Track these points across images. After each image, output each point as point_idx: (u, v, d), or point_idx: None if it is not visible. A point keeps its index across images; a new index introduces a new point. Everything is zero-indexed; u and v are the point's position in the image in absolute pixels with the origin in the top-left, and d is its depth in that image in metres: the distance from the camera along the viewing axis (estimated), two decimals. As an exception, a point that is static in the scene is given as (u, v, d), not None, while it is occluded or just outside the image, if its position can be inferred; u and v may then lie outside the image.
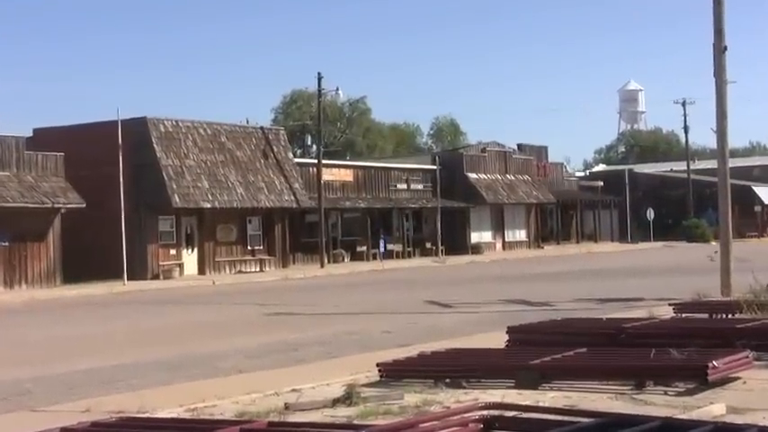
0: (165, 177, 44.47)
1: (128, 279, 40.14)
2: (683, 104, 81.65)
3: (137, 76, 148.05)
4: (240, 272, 47.67)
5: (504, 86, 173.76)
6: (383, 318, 22.39)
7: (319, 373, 12.76)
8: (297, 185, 51.13)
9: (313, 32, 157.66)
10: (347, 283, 38.56)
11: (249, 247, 49.33)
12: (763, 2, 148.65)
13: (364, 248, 56.09)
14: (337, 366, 13.61)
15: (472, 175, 65.00)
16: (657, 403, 9.76)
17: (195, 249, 46.75)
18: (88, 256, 42.86)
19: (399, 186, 61.05)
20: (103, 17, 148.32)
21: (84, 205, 41.41)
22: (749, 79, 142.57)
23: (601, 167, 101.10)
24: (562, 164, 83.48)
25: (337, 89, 55.48)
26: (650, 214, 76.12)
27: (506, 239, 67.47)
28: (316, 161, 53.92)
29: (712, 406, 9.41)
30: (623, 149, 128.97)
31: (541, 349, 12.00)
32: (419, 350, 13.21)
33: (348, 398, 10.18)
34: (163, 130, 45.58)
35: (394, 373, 11.63)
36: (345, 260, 54.59)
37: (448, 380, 11.16)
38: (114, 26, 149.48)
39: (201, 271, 46.39)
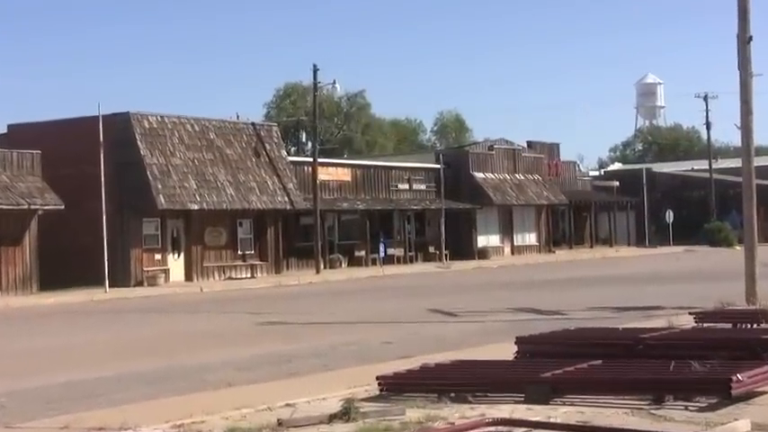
0: (150, 177, 44.48)
1: (109, 286, 40.13)
2: (705, 99, 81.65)
3: (119, 70, 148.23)
4: (230, 278, 47.67)
5: (513, 80, 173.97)
6: (383, 327, 22.39)
7: (315, 386, 12.76)
8: (291, 185, 51.14)
9: (308, 23, 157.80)
10: (345, 291, 38.55)
11: (240, 252, 49.33)
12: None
13: (363, 253, 56.09)
14: (334, 379, 13.61)
15: (479, 175, 65.01)
16: (677, 419, 9.75)
17: (182, 254, 46.75)
18: (67, 262, 42.85)
19: (401, 186, 61.05)
20: (84, 9, 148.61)
21: (62, 207, 41.41)
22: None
23: (617, 166, 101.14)
24: (575, 162, 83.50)
25: (334, 82, 55.48)
26: (669, 216, 76.12)
27: (515, 243, 67.48)
28: (311, 159, 53.92)
29: (736, 422, 9.39)
30: (641, 147, 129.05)
31: (553, 361, 12.00)
32: (422, 362, 13.20)
33: (346, 413, 10.18)
34: (147, 126, 45.60)
35: (395, 387, 11.63)
36: (343, 266, 54.59)
37: (453, 394, 11.16)
38: (95, 18, 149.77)
39: (188, 277, 46.40)
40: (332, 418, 10.13)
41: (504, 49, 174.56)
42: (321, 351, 18.30)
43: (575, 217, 74.64)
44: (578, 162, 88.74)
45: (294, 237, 53.55)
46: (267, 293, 38.98)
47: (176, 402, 12.36)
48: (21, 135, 45.01)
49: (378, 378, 11.83)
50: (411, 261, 58.96)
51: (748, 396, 10.58)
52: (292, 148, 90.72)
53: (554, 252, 68.40)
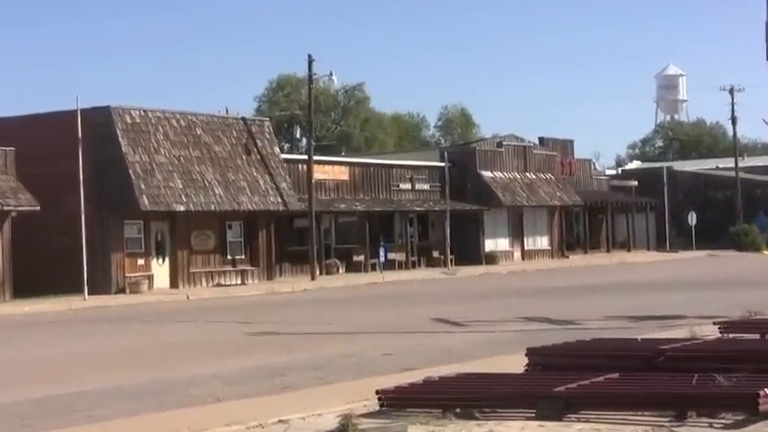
0: (132, 176, 44.50)
1: (89, 293, 40.13)
2: (731, 92, 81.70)
3: (100, 61, 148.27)
4: (219, 285, 47.68)
5: (523, 72, 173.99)
6: (384, 338, 22.40)
7: (310, 401, 12.76)
8: (284, 185, 51.16)
9: (303, 10, 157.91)
10: (342, 298, 38.55)
11: (229, 257, 49.34)
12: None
13: (362, 258, 56.09)
14: (331, 394, 13.61)
15: (486, 174, 65.02)
16: (701, 437, 9.75)
17: (167, 259, 46.76)
18: (43, 267, 42.84)
19: (402, 186, 61.06)
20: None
21: (38, 208, 41.41)
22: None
23: (635, 164, 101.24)
24: (590, 160, 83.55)
25: (331, 74, 55.42)
26: (692, 219, 76.14)
27: (526, 247, 67.48)
28: (306, 157, 53.93)
29: (764, 440, 9.40)
30: (661, 144, 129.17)
31: (566, 374, 12.00)
32: (425, 375, 13.21)
33: (343, 430, 10.18)
34: (129, 121, 45.62)
35: (396, 402, 11.63)
36: (340, 271, 54.59)
37: (458, 409, 11.17)
38: (73, 5, 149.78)
39: (174, 284, 46.40)
40: (328, 436, 10.12)
41: (513, 39, 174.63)
42: (317, 363, 18.30)
43: (590, 219, 74.62)
44: (594, 160, 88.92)
45: (288, 240, 53.52)
46: (259, 301, 38.97)
47: (161, 419, 12.36)
48: (-7, 131, 44.99)
49: (378, 392, 11.84)
50: (413, 267, 58.94)
51: (777, 412, 10.58)
52: (286, 145, 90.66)
53: (567, 257, 68.39)
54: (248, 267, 49.64)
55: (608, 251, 74.61)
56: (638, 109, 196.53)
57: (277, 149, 53.90)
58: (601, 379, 11.63)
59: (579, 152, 77.38)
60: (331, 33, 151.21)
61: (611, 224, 77.11)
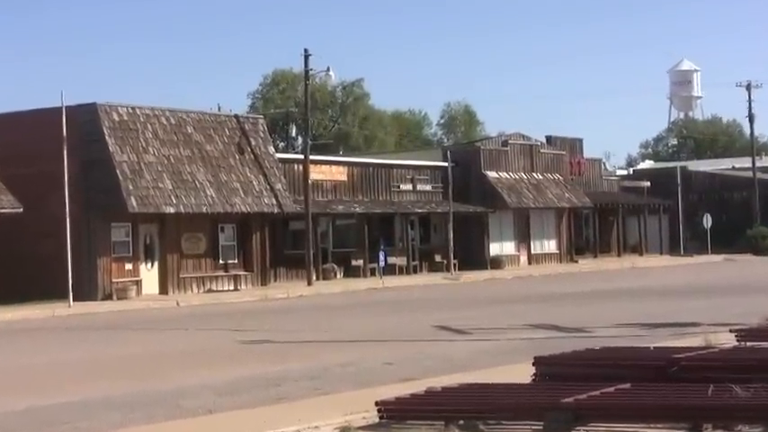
0: (120, 176, 44.49)
1: (74, 300, 40.12)
2: (748, 88, 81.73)
3: (85, 56, 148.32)
4: (210, 290, 47.68)
5: (530, 67, 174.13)
6: (383, 346, 22.42)
7: (306, 412, 12.76)
8: (279, 186, 51.17)
9: (299, 3, 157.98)
10: (340, 305, 38.56)
11: (221, 261, 49.33)
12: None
13: (360, 262, 56.11)
14: (328, 405, 13.61)
15: (491, 174, 65.04)
16: (716, 450, 9.75)
17: (156, 263, 46.75)
18: (26, 272, 42.84)
19: (403, 187, 61.07)
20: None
21: (20, 210, 41.41)
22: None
23: (647, 164, 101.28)
24: (600, 160, 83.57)
25: (328, 69, 55.47)
26: (707, 221, 76.14)
27: (532, 252, 67.50)
28: (302, 156, 53.94)
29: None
30: (675, 142, 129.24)
31: (575, 385, 12.01)
32: (427, 385, 13.21)
33: (341, 443, 10.17)
34: (117, 118, 45.62)
35: (397, 414, 11.63)
36: (338, 276, 54.60)
37: (462, 422, 11.17)
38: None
39: (163, 290, 46.40)
40: (326, 449, 10.13)
41: (519, 32, 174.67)
42: (313, 373, 18.31)
43: (600, 222, 74.64)
44: (604, 160, 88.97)
45: (283, 244, 53.53)
46: (252, 308, 38.98)
47: (149, 431, 12.35)
48: (-26, 129, 44.99)
49: (377, 403, 11.83)
50: (415, 271, 58.96)
51: (796, 424, 10.58)
52: (281, 144, 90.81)
53: (576, 261, 68.40)
54: (241, 272, 49.63)
55: (619, 255, 74.60)
56: (650, 106, 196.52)
57: (272, 149, 53.89)
58: (612, 390, 11.63)
59: (589, 151, 77.46)
60: (328, 27, 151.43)
61: (623, 227, 77.11)
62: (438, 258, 60.60)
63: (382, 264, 53.76)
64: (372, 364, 19.19)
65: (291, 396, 15.43)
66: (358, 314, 33.55)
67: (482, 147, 67.27)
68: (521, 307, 33.88)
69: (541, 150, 69.83)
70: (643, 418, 10.89)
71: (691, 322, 24.34)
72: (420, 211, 60.70)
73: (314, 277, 51.09)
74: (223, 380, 17.79)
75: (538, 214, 67.98)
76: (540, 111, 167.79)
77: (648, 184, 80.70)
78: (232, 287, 48.52)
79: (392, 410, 11.71)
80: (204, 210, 47.45)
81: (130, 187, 44.70)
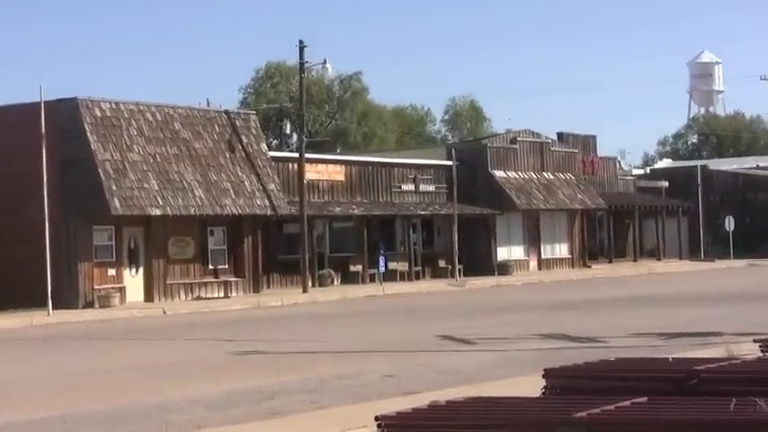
0: (102, 176, 44.53)
1: (53, 308, 40.13)
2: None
3: (66, 48, 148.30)
4: (199, 298, 47.73)
5: (539, 59, 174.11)
6: (384, 357, 22.45)
7: (302, 428, 12.78)
8: (272, 186, 51.21)
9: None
10: (337, 313, 38.60)
11: (211, 267, 49.37)
12: None
13: (359, 268, 56.14)
14: (324, 420, 13.64)
15: (499, 174, 65.10)
16: (739, 468, 9.78)
17: (141, 269, 46.80)
18: (1, 279, 42.86)
19: (405, 188, 61.13)
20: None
21: (-4, 212, 41.44)
22: None
23: (666, 163, 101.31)
24: (615, 158, 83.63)
25: (325, 62, 55.51)
26: (730, 224, 76.21)
27: (543, 256, 67.56)
28: (297, 155, 53.99)
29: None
30: (695, 140, 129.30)
31: (588, 398, 12.02)
32: (430, 399, 13.22)
33: (339, 461, 10.20)
34: (99, 114, 45.66)
35: (397, 429, 11.65)
36: (335, 283, 54.65)
37: (468, 438, 11.18)
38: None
39: (149, 297, 46.45)
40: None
41: (528, 23, 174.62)
42: (309, 386, 18.33)
43: (615, 224, 74.72)
44: (619, 158, 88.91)
45: (276, 248, 53.57)
46: (244, 316, 39.00)
47: (135, 448, 12.39)
48: (-54, 125, 45.05)
49: (377, 418, 11.84)
50: (417, 278, 58.99)
51: (824, 441, 10.60)
52: (274, 142, 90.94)
53: (590, 267, 68.47)
54: (232, 278, 49.65)
55: (635, 260, 74.66)
56: (668, 101, 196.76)
57: (264, 146, 53.96)
58: (627, 404, 11.64)
59: (603, 149, 77.64)
60: (325, 17, 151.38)
61: (639, 230, 77.17)
62: (442, 264, 60.63)
63: (382, 269, 53.81)
64: (372, 377, 19.21)
65: (286, 410, 15.45)
66: (356, 323, 33.58)
67: (489, 144, 67.34)
68: (530, 315, 33.90)
69: (552, 148, 69.90)
70: (661, 434, 10.90)
71: (712, 332, 24.34)
72: (423, 213, 60.74)
73: (309, 284, 51.11)
74: (213, 393, 17.81)
75: (548, 216, 68.03)
76: (550, 106, 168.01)
77: (666, 184, 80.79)
78: (222, 294, 48.55)
79: (393, 426, 11.73)
80: (192, 212, 47.48)
81: (113, 188, 44.73)
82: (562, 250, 69.32)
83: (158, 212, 46.17)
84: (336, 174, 57.95)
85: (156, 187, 46.40)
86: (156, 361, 24.54)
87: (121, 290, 45.56)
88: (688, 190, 79.44)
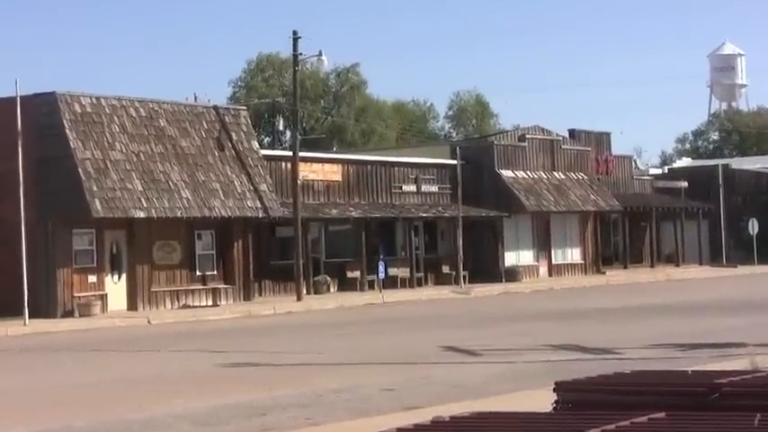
0: (82, 175, 44.54)
1: (30, 317, 40.12)
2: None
3: (44, 39, 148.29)
4: (186, 306, 47.73)
5: (549, 51, 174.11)
6: (383, 370, 22.46)
7: (296, 446, 12.79)
8: (264, 187, 51.23)
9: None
10: (334, 322, 38.61)
11: (198, 273, 49.37)
12: None
13: (357, 274, 56.13)
14: (320, 437, 13.64)
15: (506, 173, 65.11)
16: (763, 489, 9.79)
17: (124, 275, 46.80)
18: (-25, 285, 42.89)
19: (406, 188, 61.14)
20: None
21: (-31, 214, 41.44)
22: None
23: (685, 162, 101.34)
24: (631, 157, 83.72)
25: (320, 54, 55.56)
26: (753, 227, 76.23)
27: (553, 262, 67.55)
28: (290, 153, 54.01)
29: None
30: (716, 137, 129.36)
31: (602, 414, 12.02)
32: (433, 415, 13.23)
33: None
34: (79, 110, 45.68)
35: (399, 447, 11.65)
36: (331, 290, 54.65)
37: (473, 456, 11.19)
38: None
39: (132, 305, 46.44)
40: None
41: (537, 13, 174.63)
42: (304, 400, 18.35)
43: (630, 227, 74.70)
44: (635, 157, 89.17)
45: (269, 253, 53.57)
46: (234, 326, 39.03)
47: (117, 467, 12.40)
48: None
49: (377, 436, 11.87)
50: (419, 284, 58.98)
51: None
52: (266, 139, 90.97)
53: (604, 273, 68.46)
54: (221, 285, 49.66)
55: (652, 266, 74.61)
56: (687, 95, 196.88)
57: (256, 144, 53.97)
58: (644, 419, 11.65)
59: (617, 147, 77.63)
60: (320, 6, 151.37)
61: (656, 233, 77.14)
62: (445, 269, 60.62)
63: (382, 275, 53.79)
64: (370, 391, 19.22)
65: (279, 426, 15.46)
66: (354, 333, 33.60)
67: (496, 142, 67.35)
68: (540, 325, 33.91)
69: (564, 146, 69.90)
70: (680, 451, 10.92)
71: (734, 342, 24.35)
72: (425, 215, 60.74)
73: (304, 291, 51.12)
74: (200, 409, 17.82)
75: (559, 219, 68.03)
76: (561, 101, 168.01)
77: (686, 184, 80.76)
78: (210, 303, 48.55)
79: (393, 443, 11.73)
80: (179, 214, 47.48)
81: (94, 188, 44.73)
82: (574, 255, 69.29)
83: (142, 215, 46.17)
84: (333, 173, 57.95)
85: (140, 188, 46.40)
86: (140, 374, 24.55)
87: (103, 297, 45.55)
88: (709, 191, 79.41)
